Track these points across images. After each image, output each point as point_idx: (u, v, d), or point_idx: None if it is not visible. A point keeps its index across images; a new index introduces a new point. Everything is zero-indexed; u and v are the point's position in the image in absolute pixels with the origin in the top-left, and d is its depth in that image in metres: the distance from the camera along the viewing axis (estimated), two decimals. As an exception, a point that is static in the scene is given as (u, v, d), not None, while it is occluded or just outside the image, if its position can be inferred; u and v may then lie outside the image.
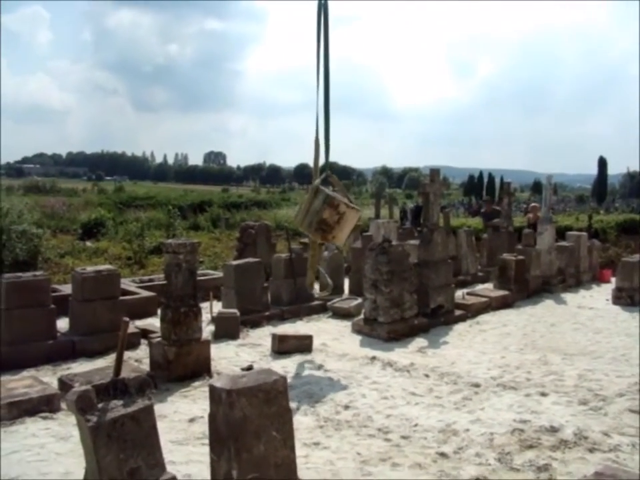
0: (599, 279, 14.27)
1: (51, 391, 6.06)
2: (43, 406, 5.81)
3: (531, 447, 5.10)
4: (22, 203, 17.55)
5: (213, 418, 3.91)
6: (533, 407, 6.04)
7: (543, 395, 6.41)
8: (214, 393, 3.86)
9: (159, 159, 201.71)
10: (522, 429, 5.44)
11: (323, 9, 7.34)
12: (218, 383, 3.88)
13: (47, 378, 6.76)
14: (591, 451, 5.03)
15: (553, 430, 5.42)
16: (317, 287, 9.56)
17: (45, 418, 5.68)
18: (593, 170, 67.01)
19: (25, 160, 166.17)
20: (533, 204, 18.26)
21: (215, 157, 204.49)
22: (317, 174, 7.88)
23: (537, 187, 72.10)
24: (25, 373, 6.91)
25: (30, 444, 5.11)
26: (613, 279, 12.76)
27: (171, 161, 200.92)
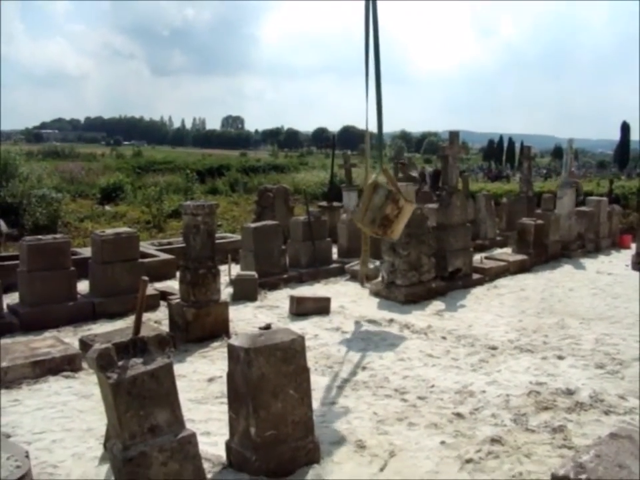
0: (619, 245, 14.15)
1: (72, 350, 6.17)
2: (65, 365, 5.93)
3: (546, 408, 5.12)
4: (41, 168, 17.70)
5: (231, 376, 3.97)
6: (549, 369, 6.06)
7: (560, 358, 6.42)
8: (232, 351, 3.91)
9: (176, 124, 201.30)
10: (538, 391, 5.46)
11: (372, 10, 7.25)
12: (236, 341, 3.93)
13: (68, 339, 6.87)
14: (607, 413, 5.04)
15: (569, 392, 5.44)
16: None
17: (67, 377, 5.80)
18: (616, 135, 65.93)
19: (44, 125, 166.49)
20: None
21: (232, 121, 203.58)
22: (367, 167, 8.00)
23: (557, 152, 71.19)
24: (47, 334, 7.04)
25: (53, 401, 5.23)
26: (633, 245, 12.64)
27: (188, 125, 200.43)
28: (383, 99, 7.36)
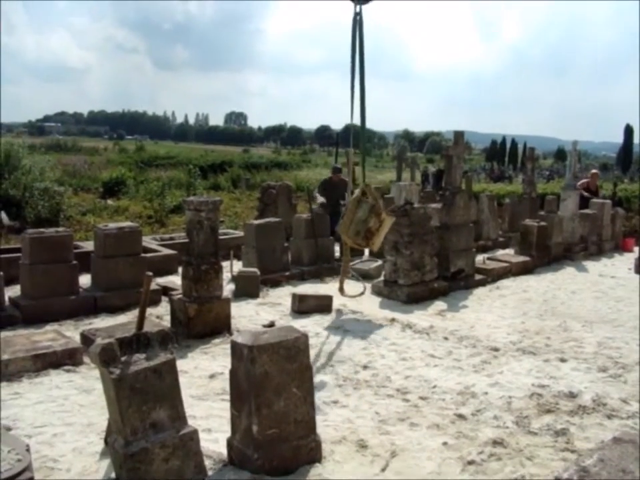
0: (622, 248, 14.12)
1: (74, 344, 6.16)
2: (66, 359, 5.91)
3: (548, 411, 5.10)
4: (44, 161, 17.65)
5: (234, 373, 3.96)
6: (551, 372, 6.04)
7: (562, 360, 6.39)
8: (235, 348, 3.90)
9: (179, 119, 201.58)
10: (540, 394, 5.44)
11: (358, 23, 7.45)
12: (240, 338, 3.91)
13: (70, 332, 6.85)
14: (609, 417, 5.02)
15: (572, 395, 5.42)
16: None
17: (68, 371, 5.78)
18: (619, 138, 65.90)
19: (47, 118, 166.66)
20: (593, 171, 17.80)
21: (235, 118, 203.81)
22: (351, 182, 8.59)
23: (560, 154, 71.16)
24: (48, 327, 7.01)
25: (54, 395, 5.21)
26: (636, 248, 12.65)
27: (191, 120, 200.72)
28: (366, 97, 7.64)
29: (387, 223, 7.91)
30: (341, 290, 8.28)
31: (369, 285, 9.29)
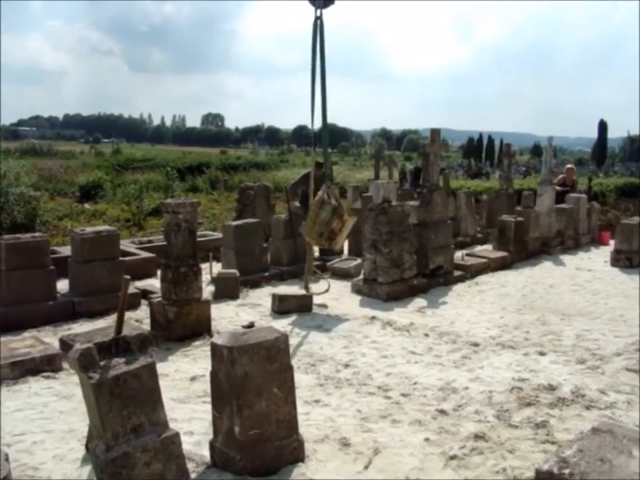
0: (598, 242, 14.27)
1: (52, 350, 6.10)
2: (45, 365, 5.85)
3: (529, 404, 5.15)
4: (19, 166, 17.49)
5: (214, 375, 3.95)
6: (531, 365, 6.09)
7: (541, 354, 6.46)
8: (216, 350, 3.89)
9: (156, 121, 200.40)
10: (520, 387, 5.50)
11: (319, 26, 7.60)
12: (220, 340, 3.91)
13: (48, 338, 6.79)
14: (588, 408, 5.09)
15: (551, 388, 5.48)
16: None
17: (47, 377, 5.73)
18: (594, 133, 66.59)
19: (21, 122, 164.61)
20: (568, 165, 17.88)
21: (212, 119, 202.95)
22: (312, 184, 8.54)
23: (536, 150, 71.75)
24: (26, 334, 6.94)
25: (33, 402, 5.16)
26: (612, 242, 12.77)
27: (168, 123, 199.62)
28: (327, 97, 7.90)
29: (349, 223, 8.10)
30: (306, 288, 8.35)
31: (348, 284, 9.34)
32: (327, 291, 8.45)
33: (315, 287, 8.70)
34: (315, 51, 7.58)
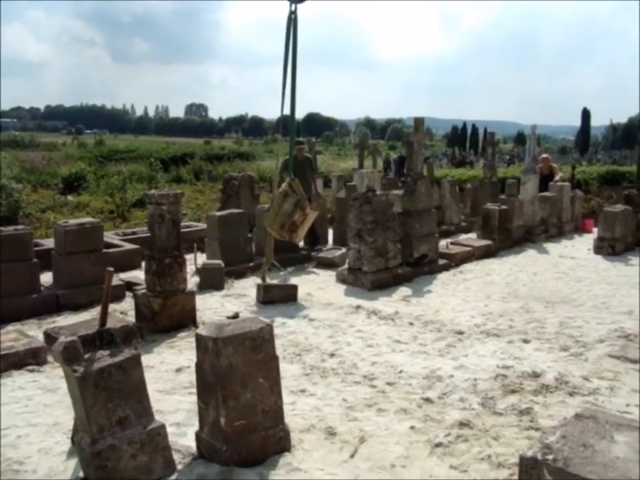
0: (581, 229, 14.38)
1: (36, 344, 6.06)
2: (29, 359, 5.83)
3: (513, 391, 5.19)
4: (0, 158, 17.28)
5: (200, 366, 3.95)
6: (515, 353, 6.14)
7: (525, 341, 6.50)
8: (200, 341, 3.89)
9: (139, 112, 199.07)
10: (505, 375, 5.54)
11: (293, 21, 7.62)
12: (204, 331, 3.90)
13: (32, 332, 6.75)
14: (571, 394, 5.13)
15: (535, 375, 5.52)
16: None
17: (31, 371, 5.70)
18: (577, 122, 67.00)
19: (2, 114, 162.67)
20: (543, 155, 17.86)
21: (196, 109, 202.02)
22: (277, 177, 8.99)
23: (520, 138, 72.07)
24: (10, 327, 6.89)
25: (18, 396, 5.13)
26: (595, 229, 12.86)
27: (151, 113, 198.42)
28: (296, 88, 7.87)
29: (310, 216, 8.21)
30: (263, 279, 8.37)
31: (332, 274, 9.36)
32: (277, 284, 8.46)
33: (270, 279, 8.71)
34: (287, 45, 7.65)
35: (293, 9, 7.54)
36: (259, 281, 8.67)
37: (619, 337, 6.61)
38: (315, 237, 10.32)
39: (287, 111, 8.00)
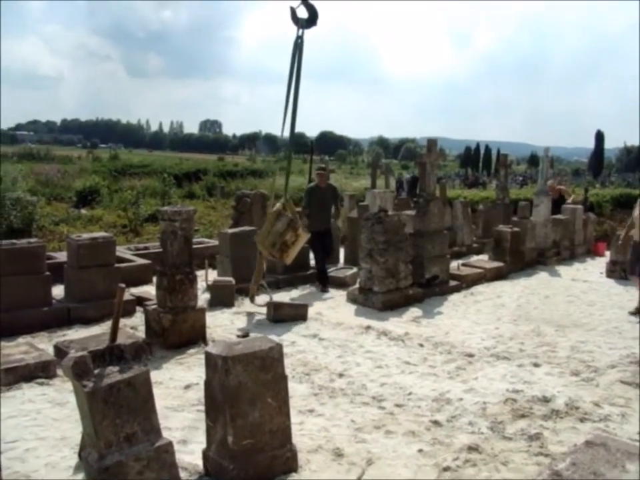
0: (594, 252, 14.31)
1: (47, 357, 6.08)
2: (39, 372, 5.84)
3: (523, 416, 5.15)
4: (16, 170, 17.42)
5: (208, 384, 3.94)
6: (525, 377, 6.09)
7: (536, 365, 6.46)
8: (210, 359, 3.89)
9: (154, 127, 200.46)
10: (514, 399, 5.49)
11: (299, 47, 7.75)
12: (214, 349, 3.90)
13: (43, 345, 6.77)
14: (582, 420, 5.09)
15: (545, 400, 5.47)
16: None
17: (41, 384, 5.71)
18: (591, 144, 66.88)
19: (19, 127, 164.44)
20: (548, 182, 17.53)
21: (210, 125, 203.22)
22: (272, 198, 8.76)
23: (533, 160, 71.95)
24: (21, 340, 6.92)
25: (27, 409, 5.14)
26: (608, 253, 12.79)
27: (166, 129, 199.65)
28: (298, 110, 8.01)
29: (302, 238, 8.26)
30: (252, 298, 8.37)
31: (343, 293, 9.34)
32: (269, 302, 8.31)
33: (259, 299, 8.69)
34: (292, 68, 7.74)
35: (300, 33, 7.63)
36: (268, 298, 8.67)
37: (630, 362, 6.56)
38: (326, 279, 10.01)
39: (287, 131, 8.12)
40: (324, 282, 9.89)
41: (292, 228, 8.00)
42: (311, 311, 8.28)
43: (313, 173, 14.74)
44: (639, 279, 8.74)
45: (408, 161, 76.53)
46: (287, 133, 8.17)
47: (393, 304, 8.79)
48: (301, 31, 7.66)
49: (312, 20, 7.57)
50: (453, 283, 10.18)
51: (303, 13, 7.56)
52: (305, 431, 4.78)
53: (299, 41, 7.67)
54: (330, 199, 10.24)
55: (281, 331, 7.52)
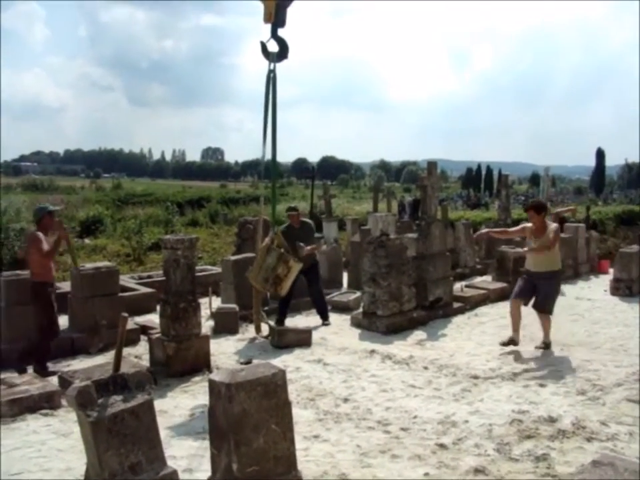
0: (597, 270, 14.28)
1: (51, 387, 6.09)
2: (43, 402, 5.84)
3: (529, 437, 5.12)
4: (20, 201, 17.56)
5: (212, 412, 3.94)
6: (531, 397, 6.07)
7: (542, 385, 6.43)
8: (213, 386, 3.88)
9: (156, 156, 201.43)
10: (520, 420, 5.47)
11: (272, 80, 7.70)
12: (217, 377, 3.90)
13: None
14: (589, 440, 5.05)
15: (551, 420, 5.45)
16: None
17: (45, 415, 5.71)
18: (591, 162, 67.04)
19: (23, 158, 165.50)
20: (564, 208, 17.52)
21: (212, 153, 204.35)
22: (260, 235, 8.72)
23: (535, 179, 72.04)
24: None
25: (31, 440, 5.14)
26: (611, 270, 12.77)
27: (168, 157, 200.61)
28: (277, 135, 7.84)
29: (294, 269, 8.20)
30: (257, 329, 8.39)
31: (347, 317, 9.33)
32: (271, 332, 8.38)
33: (265, 329, 8.69)
34: (267, 100, 7.72)
35: (271, 67, 7.69)
36: (273, 325, 8.68)
37: (637, 380, 6.52)
38: (324, 311, 9.79)
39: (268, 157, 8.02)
40: (323, 315, 9.56)
41: (283, 261, 8.01)
42: (315, 336, 8.28)
43: (315, 197, 14.83)
44: None
45: (410, 183, 76.65)
46: (268, 157, 8.13)
47: (396, 327, 8.79)
48: (272, 65, 7.73)
49: (282, 54, 7.64)
50: (456, 304, 10.17)
51: (273, 47, 7.61)
52: (310, 456, 4.76)
53: (271, 74, 7.72)
54: (305, 237, 9.48)
55: (286, 357, 7.52)
